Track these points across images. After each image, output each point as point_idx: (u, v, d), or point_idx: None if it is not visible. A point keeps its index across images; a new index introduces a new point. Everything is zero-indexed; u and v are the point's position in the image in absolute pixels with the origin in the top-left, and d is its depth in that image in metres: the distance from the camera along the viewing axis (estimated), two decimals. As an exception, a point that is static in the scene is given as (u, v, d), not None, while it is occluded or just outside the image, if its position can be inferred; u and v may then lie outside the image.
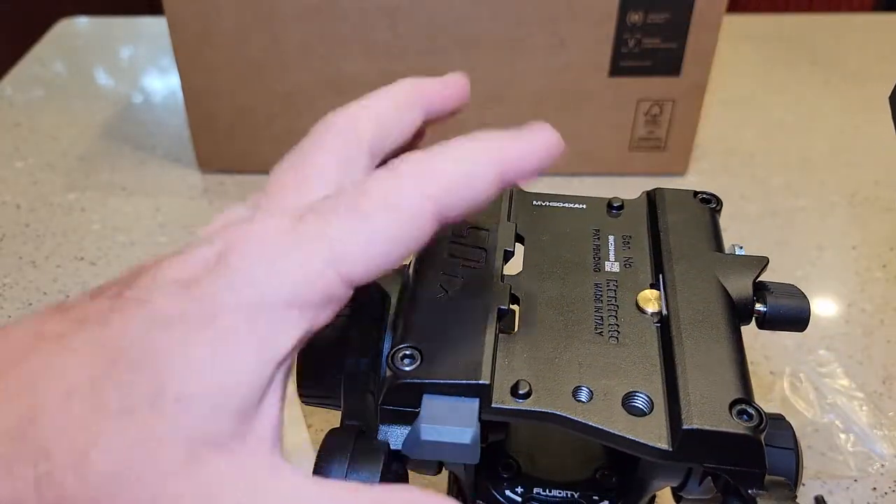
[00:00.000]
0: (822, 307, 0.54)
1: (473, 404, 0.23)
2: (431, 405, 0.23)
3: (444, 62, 0.60)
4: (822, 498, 0.41)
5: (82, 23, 0.92)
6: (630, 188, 0.31)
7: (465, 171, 0.21)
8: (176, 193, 0.65)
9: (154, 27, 0.91)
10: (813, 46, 0.86)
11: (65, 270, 0.57)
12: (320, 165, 0.23)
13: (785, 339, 0.50)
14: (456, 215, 0.21)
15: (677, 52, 0.60)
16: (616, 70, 0.60)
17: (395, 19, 0.58)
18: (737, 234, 0.59)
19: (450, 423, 0.22)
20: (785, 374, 0.47)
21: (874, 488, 0.42)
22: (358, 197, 0.20)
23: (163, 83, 0.81)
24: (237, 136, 0.64)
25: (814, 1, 1.28)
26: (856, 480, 0.43)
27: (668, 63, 0.60)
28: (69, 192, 0.65)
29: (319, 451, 0.23)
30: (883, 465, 0.43)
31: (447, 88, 0.26)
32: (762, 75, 0.82)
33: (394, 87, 0.25)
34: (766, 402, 0.46)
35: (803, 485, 0.42)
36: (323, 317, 0.20)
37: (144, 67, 0.84)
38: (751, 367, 0.49)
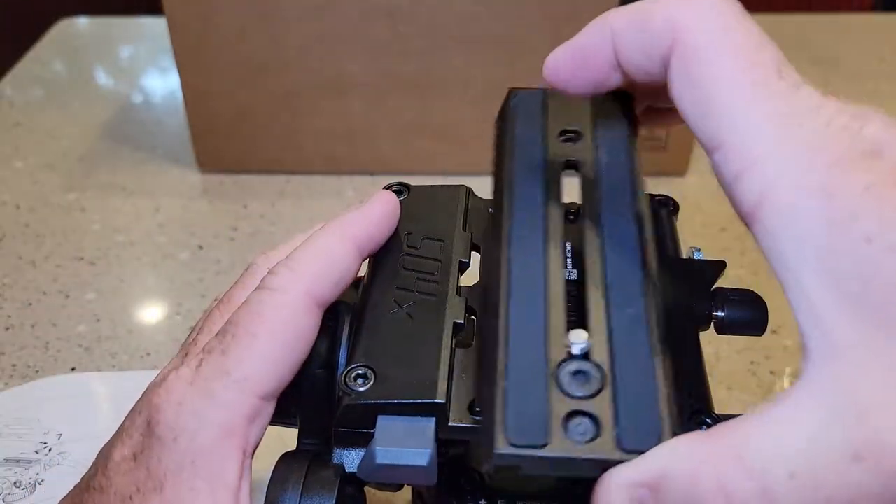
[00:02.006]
0: (823, 307, 0.54)
1: (429, 424, 0.22)
2: (386, 427, 0.22)
3: (444, 62, 0.60)
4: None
5: (82, 23, 0.92)
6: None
7: (325, 258, 0.24)
8: (176, 193, 0.65)
9: (154, 27, 0.90)
10: (813, 46, 0.86)
11: (64, 270, 0.57)
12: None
13: (785, 339, 0.50)
14: (332, 293, 0.24)
15: (677, 51, 0.60)
16: (616, 70, 0.60)
17: (395, 19, 0.58)
18: (736, 234, 0.59)
19: (405, 445, 0.22)
20: (785, 374, 0.47)
21: (874, 488, 0.42)
22: (239, 323, 0.23)
23: (163, 83, 0.81)
24: (237, 136, 0.64)
25: (814, 1, 1.28)
26: (856, 480, 0.43)
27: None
28: (69, 192, 0.65)
29: (271, 480, 0.23)
30: (883, 466, 0.43)
31: (374, 225, 0.26)
32: (762, 75, 0.82)
33: (324, 236, 0.25)
34: (767, 403, 0.46)
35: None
36: (256, 431, 0.23)
37: (144, 67, 0.84)
38: (751, 367, 0.49)
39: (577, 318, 0.21)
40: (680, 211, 0.30)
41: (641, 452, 0.18)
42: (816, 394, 0.16)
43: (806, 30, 0.90)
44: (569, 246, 0.27)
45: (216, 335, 0.23)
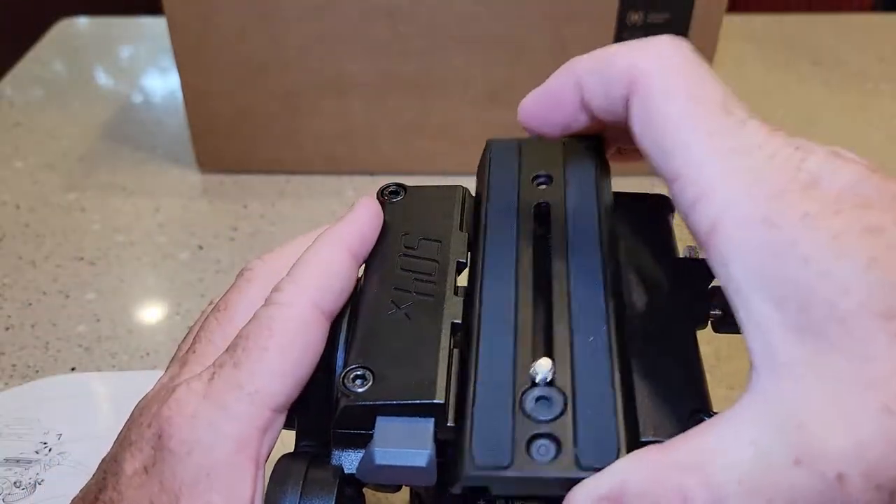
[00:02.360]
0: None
1: (428, 425, 0.22)
2: (385, 427, 0.22)
3: (444, 62, 0.60)
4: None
5: (82, 23, 0.92)
6: (631, 188, 0.31)
7: (325, 270, 0.24)
8: (176, 193, 0.65)
9: (154, 27, 0.90)
10: (813, 46, 0.86)
11: (64, 270, 0.57)
12: (243, 320, 0.25)
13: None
14: (336, 303, 0.24)
15: (677, 52, 0.60)
16: (616, 70, 0.60)
17: (395, 19, 0.58)
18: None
19: (404, 446, 0.22)
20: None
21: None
22: (249, 336, 0.23)
23: (163, 83, 0.81)
24: (237, 136, 0.64)
25: (814, 1, 1.28)
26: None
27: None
28: (69, 192, 0.65)
29: (270, 481, 0.23)
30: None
31: (364, 228, 0.27)
32: (762, 75, 0.82)
33: (320, 249, 0.26)
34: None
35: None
36: (269, 443, 0.23)
37: (144, 67, 0.84)
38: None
39: (544, 346, 0.23)
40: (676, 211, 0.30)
41: (599, 469, 0.20)
42: (761, 405, 0.18)
43: (806, 30, 0.90)
44: (538, 280, 0.27)
45: (227, 350, 0.24)
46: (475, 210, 0.28)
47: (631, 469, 0.19)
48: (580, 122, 0.24)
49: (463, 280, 0.27)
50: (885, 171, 0.19)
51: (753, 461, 0.17)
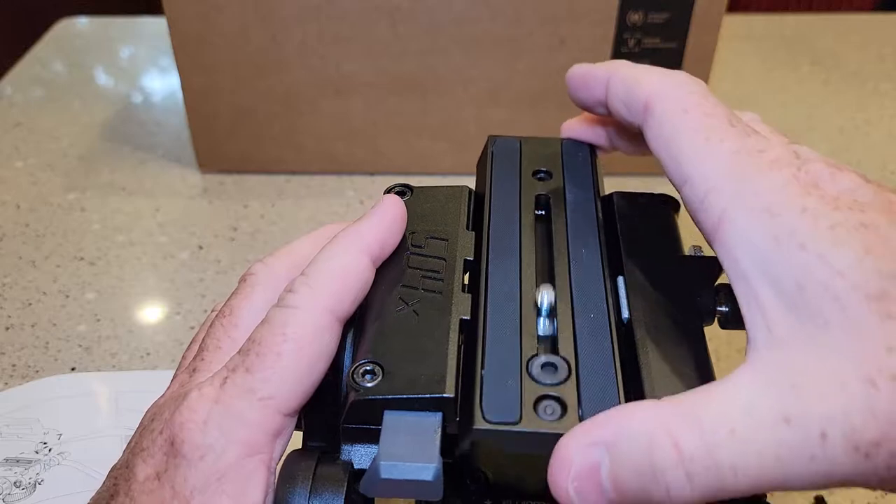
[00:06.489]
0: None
1: (436, 423, 0.22)
2: (391, 427, 0.22)
3: (444, 62, 0.60)
4: (822, 498, 0.41)
5: (82, 23, 0.92)
6: (631, 188, 0.31)
7: (342, 274, 0.24)
8: (176, 193, 0.65)
9: (154, 27, 0.91)
10: (813, 46, 0.86)
11: (64, 270, 0.57)
12: (249, 324, 0.25)
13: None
14: (350, 309, 0.25)
15: (677, 51, 0.60)
16: (616, 70, 0.60)
17: (395, 19, 0.58)
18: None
19: (410, 460, 0.22)
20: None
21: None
22: (262, 341, 0.23)
23: (162, 83, 0.81)
24: (237, 136, 0.64)
25: (814, 1, 1.28)
26: (856, 480, 0.43)
27: (669, 63, 0.60)
28: (69, 192, 0.65)
29: (279, 477, 0.23)
30: (883, 466, 0.43)
31: (386, 232, 0.27)
32: (762, 75, 0.82)
33: (339, 251, 0.26)
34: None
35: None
36: (280, 447, 0.23)
37: (144, 67, 0.84)
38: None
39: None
40: (680, 210, 0.31)
41: None
42: (758, 371, 0.19)
43: (806, 30, 0.90)
44: (541, 262, 0.28)
45: (238, 353, 0.24)
46: (477, 201, 0.29)
47: (629, 417, 0.20)
48: (598, 111, 0.28)
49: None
50: (880, 182, 0.21)
51: (746, 416, 0.19)
